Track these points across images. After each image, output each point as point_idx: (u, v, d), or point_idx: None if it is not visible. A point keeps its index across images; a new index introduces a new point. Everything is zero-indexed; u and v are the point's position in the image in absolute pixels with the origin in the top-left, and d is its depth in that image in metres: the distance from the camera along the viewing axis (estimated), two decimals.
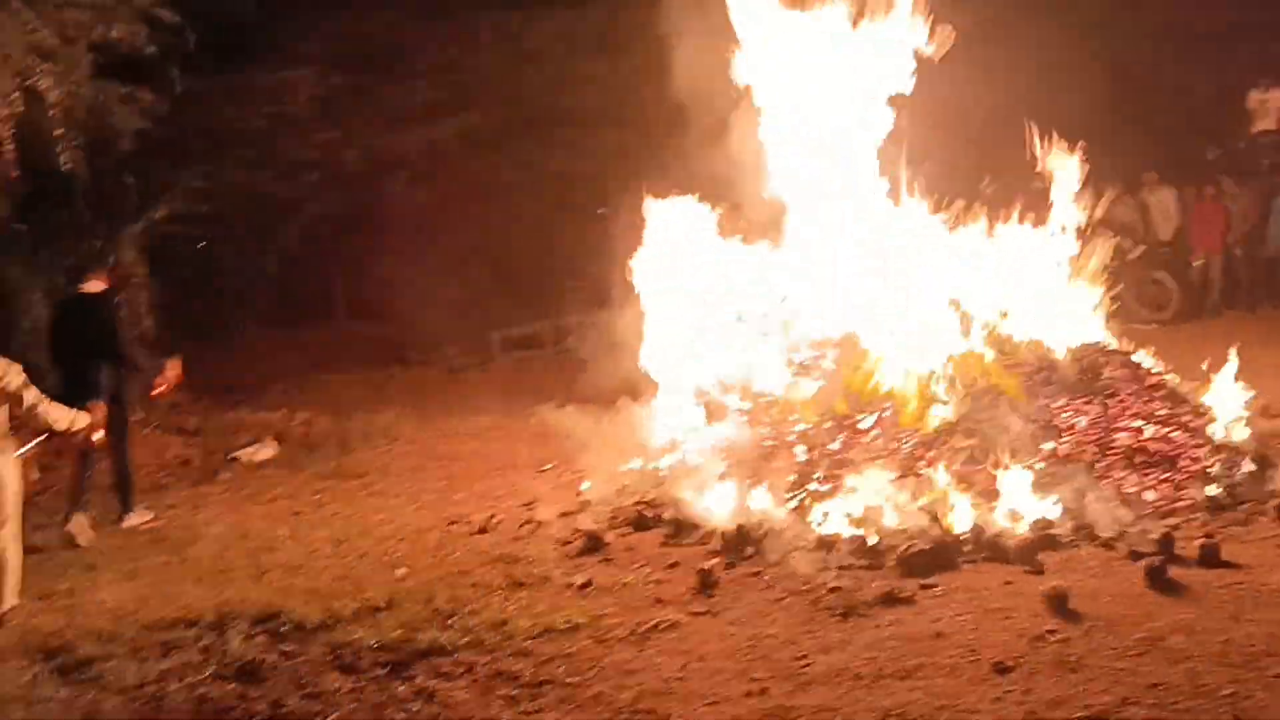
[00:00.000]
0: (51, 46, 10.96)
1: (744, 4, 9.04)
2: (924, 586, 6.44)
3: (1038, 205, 9.16)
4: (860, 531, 7.14)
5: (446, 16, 17.17)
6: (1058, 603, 5.99)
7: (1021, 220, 9.04)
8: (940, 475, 7.50)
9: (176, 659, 6.10)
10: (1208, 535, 6.85)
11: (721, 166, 9.07)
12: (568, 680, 5.57)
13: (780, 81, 9.12)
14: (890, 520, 7.23)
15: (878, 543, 6.99)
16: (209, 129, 14.94)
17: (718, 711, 5.21)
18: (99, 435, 7.99)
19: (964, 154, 9.25)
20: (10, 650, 6.39)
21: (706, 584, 6.65)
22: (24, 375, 6.97)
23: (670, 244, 9.26)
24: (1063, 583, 6.18)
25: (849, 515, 7.32)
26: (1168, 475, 7.69)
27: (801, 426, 8.23)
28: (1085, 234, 9.15)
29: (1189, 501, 7.47)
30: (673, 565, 7.08)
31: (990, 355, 8.44)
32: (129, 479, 9.24)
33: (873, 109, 9.07)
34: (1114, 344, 9.10)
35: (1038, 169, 9.19)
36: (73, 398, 7.86)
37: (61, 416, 7.22)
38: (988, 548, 6.92)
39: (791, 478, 7.84)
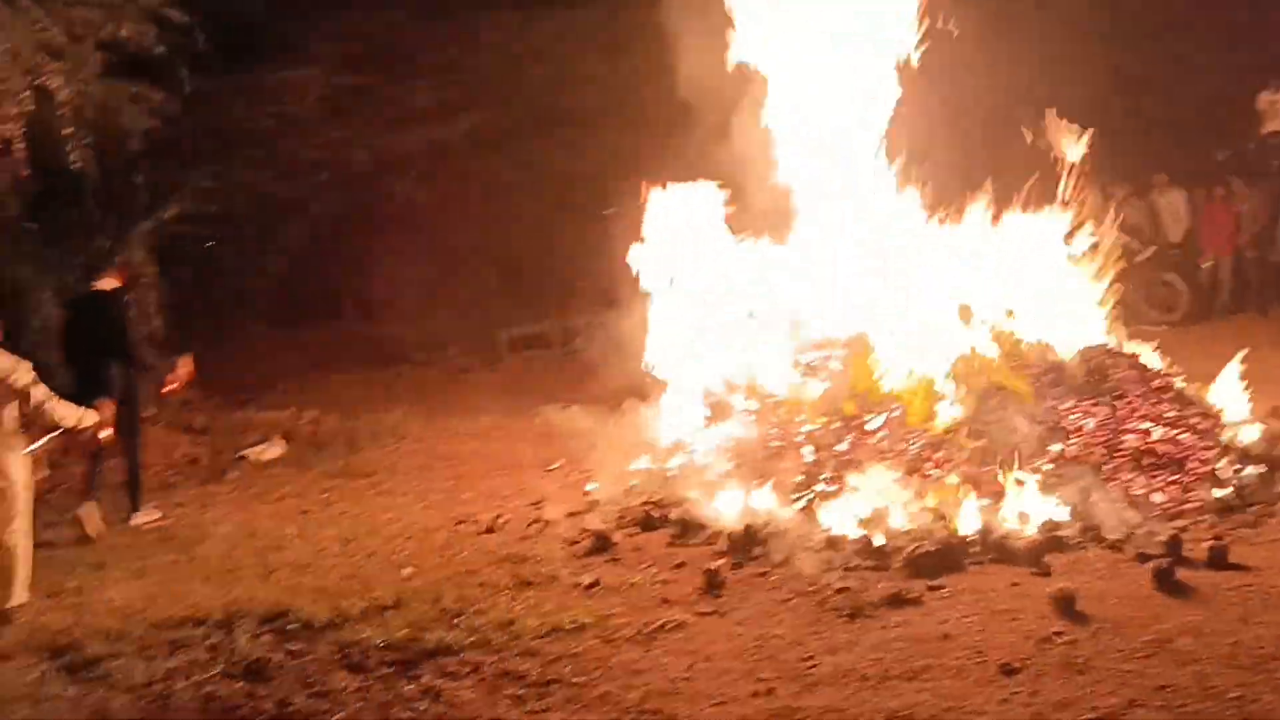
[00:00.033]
0: (60, 45, 10.99)
1: (745, 3, 9.04)
2: (931, 588, 6.43)
3: (1045, 204, 9.15)
4: (867, 532, 7.13)
5: (451, 17, 17.19)
6: (1065, 604, 5.99)
7: (1027, 221, 9.02)
8: (948, 476, 7.49)
9: (184, 657, 6.12)
10: (1216, 537, 6.83)
11: (725, 165, 9.07)
12: (574, 680, 5.58)
13: (782, 79, 9.12)
14: (897, 521, 7.22)
15: (885, 544, 6.99)
16: (217, 129, 14.97)
17: (724, 712, 5.21)
18: (106, 433, 8.02)
19: (969, 154, 9.23)
20: (18, 648, 6.42)
21: (713, 584, 6.65)
22: (33, 373, 7.01)
23: (676, 242, 9.26)
24: (1070, 584, 6.17)
25: (856, 516, 7.31)
26: (1176, 477, 7.68)
27: (809, 427, 8.23)
28: (1094, 235, 9.15)
29: (1197, 503, 7.45)
30: (680, 565, 7.08)
31: (998, 356, 8.42)
32: (138, 477, 9.28)
33: (876, 108, 9.07)
34: (1122, 345, 9.08)
35: (1053, 155, 9.15)
36: (84, 396, 7.91)
37: (69, 414, 7.28)
38: (995, 549, 6.91)
39: (799, 478, 7.84)
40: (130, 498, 9.20)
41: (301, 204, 17.15)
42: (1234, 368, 8.69)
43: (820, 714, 5.11)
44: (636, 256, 9.28)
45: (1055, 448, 7.77)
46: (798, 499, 7.66)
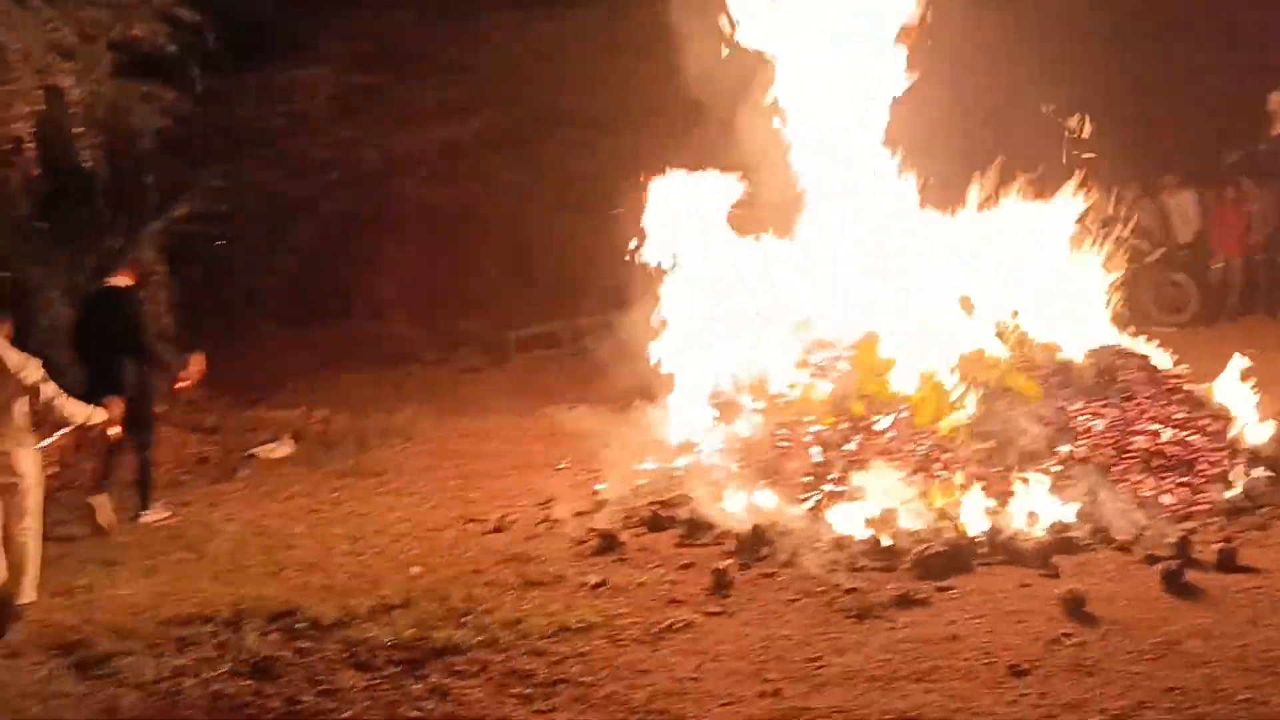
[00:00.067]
0: (72, 45, 11.03)
1: (752, 3, 9.06)
2: (939, 589, 6.43)
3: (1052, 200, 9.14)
4: (875, 533, 7.12)
5: (461, 16, 17.22)
6: (1074, 606, 5.98)
7: (1034, 217, 9.02)
8: (956, 477, 7.48)
9: (192, 655, 6.13)
10: (1225, 539, 6.82)
11: (731, 163, 9.07)
12: (582, 679, 5.58)
13: (787, 77, 9.12)
14: (906, 522, 7.21)
15: (893, 544, 6.97)
16: (228, 128, 15.01)
17: (731, 712, 5.21)
18: (115, 430, 8.06)
19: (975, 153, 9.22)
20: (28, 645, 6.44)
21: (721, 584, 6.64)
22: (42, 370, 7.06)
23: (680, 233, 9.26)
24: (1079, 586, 6.15)
25: (864, 517, 7.30)
26: (1185, 479, 7.66)
27: (817, 427, 8.22)
28: (1104, 236, 9.14)
29: (1207, 505, 7.43)
30: (687, 565, 7.08)
31: (1007, 357, 8.41)
32: (149, 476, 9.31)
33: (881, 107, 9.07)
34: (1131, 346, 9.06)
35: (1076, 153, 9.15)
36: (97, 392, 7.97)
37: (78, 411, 7.34)
38: (1004, 550, 6.90)
39: (807, 479, 7.83)
40: (140, 495, 9.23)
41: (311, 203, 17.19)
42: (1235, 368, 8.65)
43: (828, 715, 5.10)
44: (640, 246, 9.25)
45: (1064, 449, 7.75)
46: (806, 499, 7.65)
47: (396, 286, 17.14)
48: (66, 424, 7.38)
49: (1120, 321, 9.23)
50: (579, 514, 8.26)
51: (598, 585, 6.80)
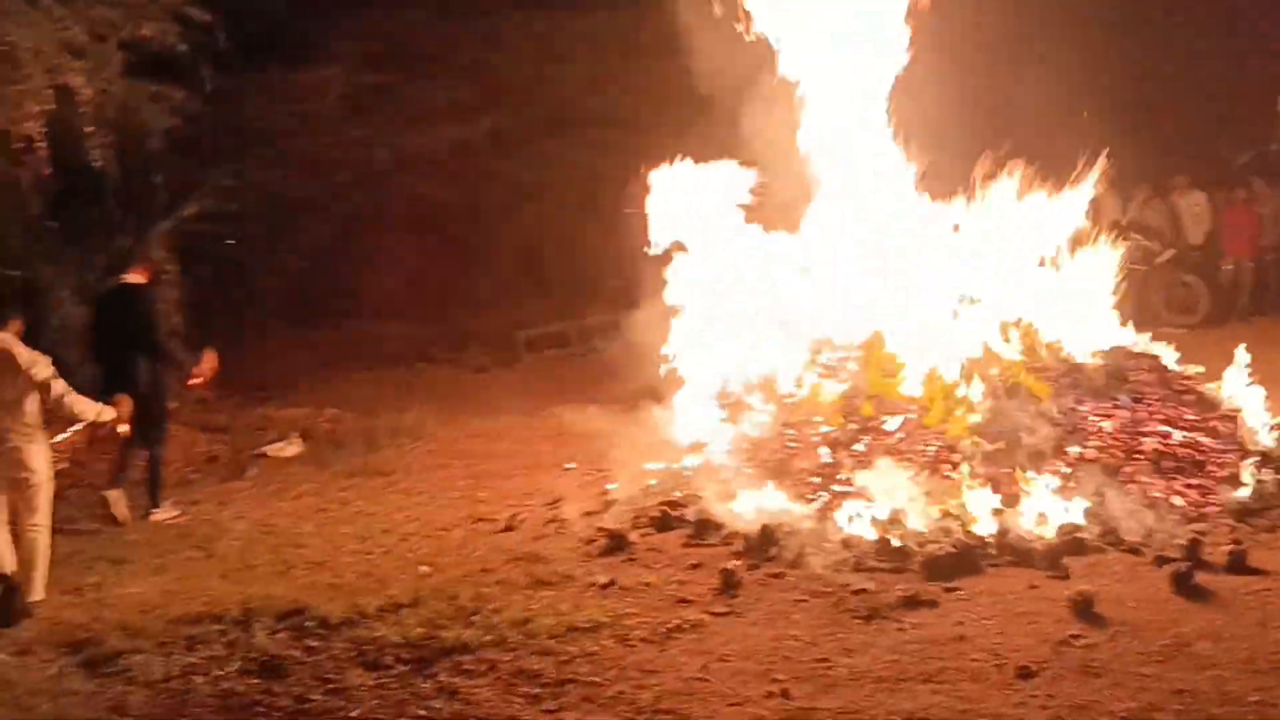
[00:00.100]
0: (82, 44, 11.05)
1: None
2: (948, 589, 6.42)
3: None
4: (884, 534, 7.11)
5: (474, 16, 17.23)
6: (1083, 607, 5.97)
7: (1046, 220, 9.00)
8: (965, 478, 7.47)
9: (202, 653, 6.15)
10: (1235, 541, 6.80)
11: (746, 161, 9.07)
12: (590, 679, 5.58)
13: (801, 76, 9.13)
14: (914, 522, 7.20)
15: (901, 545, 6.96)
16: (238, 127, 15.04)
17: (739, 712, 5.21)
18: (124, 428, 8.10)
19: (985, 148, 9.21)
20: (38, 643, 6.47)
21: (729, 585, 6.64)
22: (52, 367, 7.12)
23: (694, 236, 9.25)
24: (1088, 587, 6.15)
25: (873, 517, 7.29)
26: (1195, 480, 7.64)
27: (826, 428, 8.21)
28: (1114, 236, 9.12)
29: (1217, 507, 7.41)
30: (696, 566, 7.07)
31: (1016, 357, 8.39)
32: (159, 474, 9.36)
33: (892, 98, 9.07)
34: (1141, 347, 9.04)
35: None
36: (111, 390, 8.03)
37: (88, 408, 7.41)
38: (1012, 551, 6.88)
39: (815, 479, 7.82)
40: (150, 494, 9.27)
41: (321, 203, 17.22)
42: (1239, 368, 8.63)
43: (835, 715, 5.10)
44: (649, 237, 9.24)
45: (1074, 450, 7.74)
46: (814, 500, 7.64)
47: (406, 286, 17.16)
48: (77, 420, 7.43)
49: (1132, 322, 9.21)
50: (588, 514, 8.26)
51: (606, 585, 6.80)
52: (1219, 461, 7.80)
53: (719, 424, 8.83)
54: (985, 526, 7.11)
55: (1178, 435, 7.96)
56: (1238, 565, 6.48)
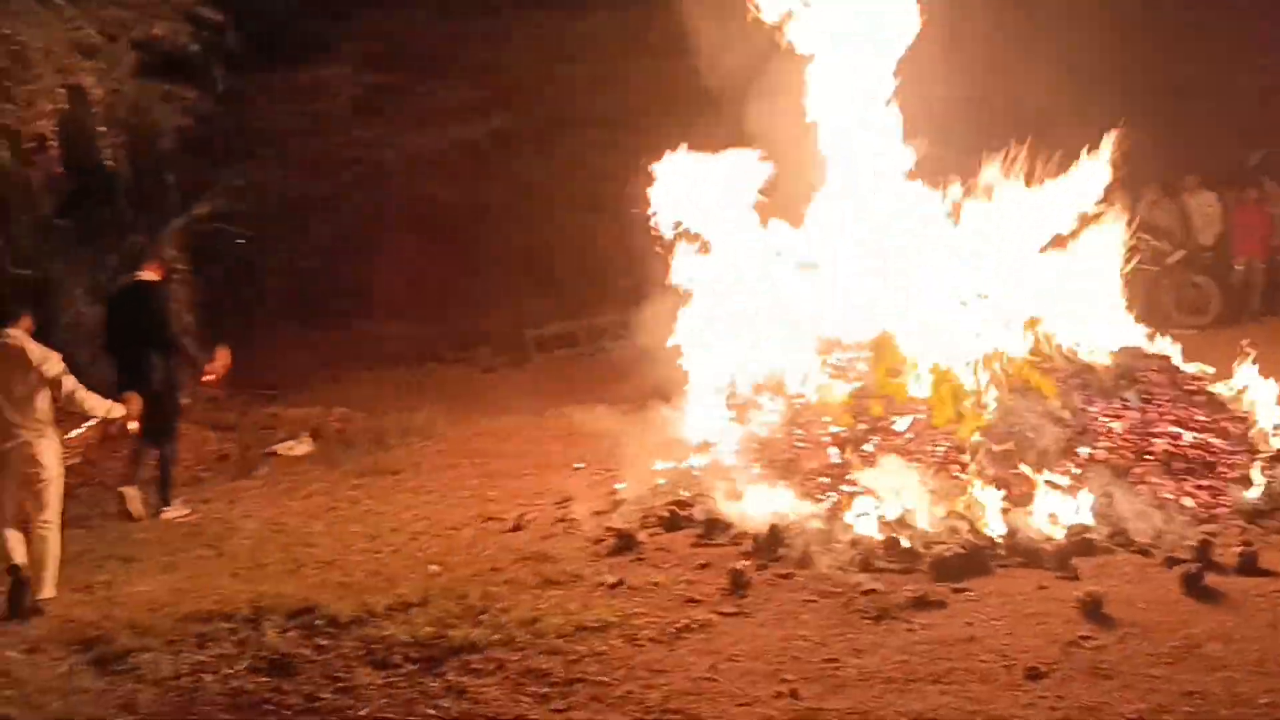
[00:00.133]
0: (94, 44, 11.10)
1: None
2: (957, 590, 6.41)
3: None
4: (893, 534, 7.10)
5: (483, 16, 17.24)
6: (1092, 608, 5.95)
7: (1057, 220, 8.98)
8: (974, 478, 7.46)
9: (211, 651, 6.16)
10: (1246, 543, 6.78)
11: (756, 163, 9.07)
12: (598, 679, 5.58)
13: (813, 71, 9.14)
14: (923, 523, 7.19)
15: (910, 545, 6.96)
16: (248, 127, 15.08)
17: (748, 712, 5.21)
18: (134, 425, 8.15)
19: (994, 148, 9.21)
20: (48, 640, 6.49)
21: (738, 585, 6.64)
22: (63, 363, 7.17)
23: (708, 238, 9.25)
24: (1098, 588, 6.13)
25: (882, 518, 7.29)
26: (1206, 481, 7.62)
27: (835, 428, 8.21)
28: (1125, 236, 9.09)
29: (1227, 508, 7.39)
30: (704, 565, 7.07)
31: (1026, 358, 8.38)
32: (170, 472, 9.39)
33: (903, 102, 9.07)
34: (1152, 348, 9.02)
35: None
36: (125, 386, 8.08)
37: (98, 405, 7.48)
38: (1022, 552, 6.87)
39: (824, 479, 7.82)
40: (161, 492, 9.30)
41: (331, 202, 17.26)
42: (1247, 368, 8.60)
43: (844, 716, 5.10)
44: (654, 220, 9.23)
45: (1083, 450, 7.72)
46: (823, 500, 7.64)
47: (415, 286, 17.18)
48: (89, 416, 7.48)
49: (1143, 323, 9.19)
50: (596, 513, 8.27)
51: (615, 585, 6.80)
52: (1229, 462, 7.78)
53: (728, 424, 8.83)
54: (994, 527, 7.10)
55: (1188, 436, 7.95)
56: (1248, 567, 6.46)
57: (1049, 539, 6.96)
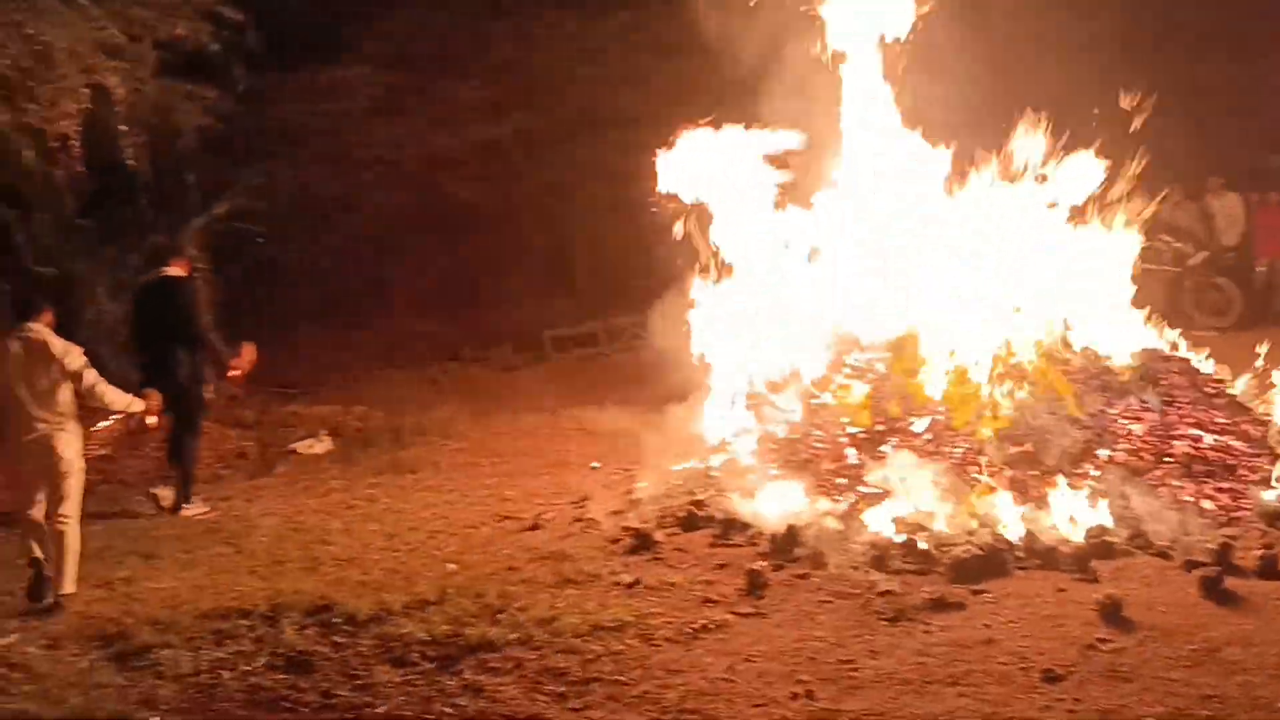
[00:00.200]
0: (117, 44, 11.16)
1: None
2: (975, 592, 6.39)
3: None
4: (911, 535, 7.09)
5: (502, 16, 17.27)
6: (1111, 611, 5.93)
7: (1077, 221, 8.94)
8: (993, 480, 7.43)
9: (230, 648, 6.20)
10: (1266, 546, 6.74)
11: (775, 161, 9.06)
12: (615, 678, 5.59)
13: (836, 66, 9.14)
14: (941, 525, 7.17)
15: (928, 547, 6.94)
16: (269, 127, 15.14)
17: (764, 713, 5.21)
18: (153, 420, 8.22)
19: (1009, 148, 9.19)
20: (69, 636, 6.54)
21: (755, 585, 6.63)
22: (84, 358, 7.24)
23: (726, 238, 9.25)
24: (1116, 591, 6.11)
25: (900, 519, 7.27)
26: (1226, 484, 7.57)
27: (853, 428, 8.19)
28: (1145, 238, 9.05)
29: (1248, 511, 7.34)
30: (721, 566, 7.07)
31: (1046, 359, 8.34)
32: (190, 470, 9.45)
33: (920, 98, 9.06)
34: (1172, 349, 8.97)
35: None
36: (151, 383, 8.14)
37: (119, 399, 7.55)
38: (1040, 554, 6.84)
39: (842, 480, 7.80)
40: (180, 489, 9.35)
41: (351, 201, 17.32)
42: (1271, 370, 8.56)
43: (860, 717, 5.10)
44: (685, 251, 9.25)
45: (1103, 453, 7.69)
46: (841, 500, 7.62)
47: (434, 285, 17.23)
48: (109, 410, 7.55)
49: (1164, 324, 9.14)
50: (614, 513, 8.27)
51: (632, 584, 6.80)
52: (1250, 465, 7.73)
53: (745, 423, 8.82)
54: (1013, 529, 7.08)
55: (1208, 438, 7.90)
56: (1269, 570, 6.42)
57: (1067, 541, 6.93)
